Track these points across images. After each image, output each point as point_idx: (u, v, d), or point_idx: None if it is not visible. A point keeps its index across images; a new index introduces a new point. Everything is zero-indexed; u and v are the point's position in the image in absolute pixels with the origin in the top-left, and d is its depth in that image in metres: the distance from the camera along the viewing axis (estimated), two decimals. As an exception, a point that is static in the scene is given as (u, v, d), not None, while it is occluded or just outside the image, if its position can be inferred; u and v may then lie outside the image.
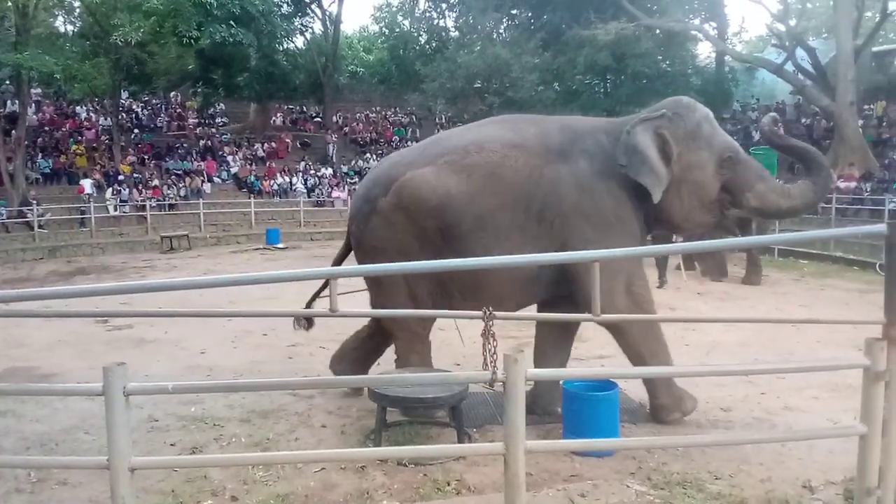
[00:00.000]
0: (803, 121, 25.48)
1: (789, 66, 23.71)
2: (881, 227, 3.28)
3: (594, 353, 7.20)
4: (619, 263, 4.89)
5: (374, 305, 5.40)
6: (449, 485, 4.11)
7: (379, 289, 5.33)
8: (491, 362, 2.99)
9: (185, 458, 4.47)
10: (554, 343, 5.53)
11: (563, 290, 5.10)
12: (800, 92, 24.49)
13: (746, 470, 4.16)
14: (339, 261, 5.91)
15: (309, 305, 5.63)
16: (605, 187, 5.02)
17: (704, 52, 32.22)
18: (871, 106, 24.80)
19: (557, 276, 5.01)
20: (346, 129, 31.51)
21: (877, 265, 12.00)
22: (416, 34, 35.68)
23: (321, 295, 5.59)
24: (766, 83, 33.22)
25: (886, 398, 3.12)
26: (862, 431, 3.17)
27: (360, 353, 5.98)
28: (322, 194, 24.90)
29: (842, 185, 19.90)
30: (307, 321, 5.91)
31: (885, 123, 23.43)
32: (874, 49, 28.02)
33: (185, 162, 24.62)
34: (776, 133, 5.43)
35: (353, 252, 5.71)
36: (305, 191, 24.77)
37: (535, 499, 3.73)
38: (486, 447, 3.86)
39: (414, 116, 33.78)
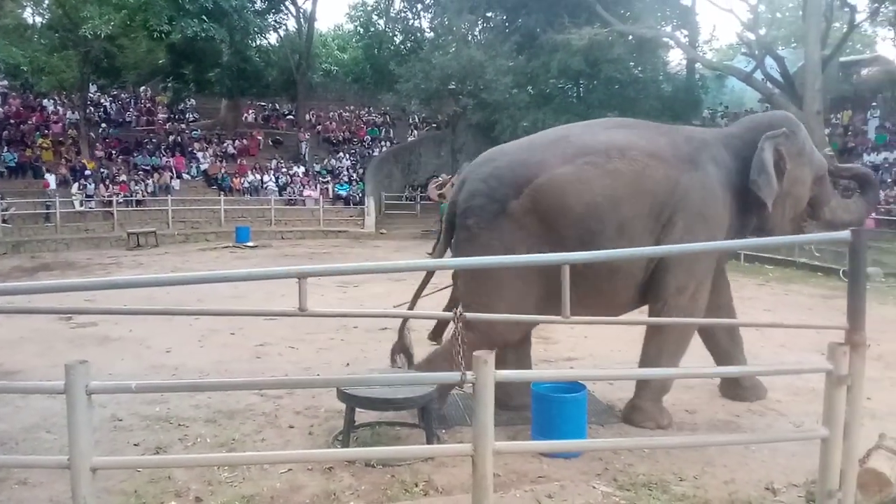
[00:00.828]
0: (771, 129, 25.94)
1: (758, 75, 24.12)
2: (845, 234, 3.35)
3: (563, 355, 7.25)
4: (696, 267, 5.15)
5: (467, 305, 4.94)
6: (417, 486, 4.10)
7: (481, 289, 5.06)
8: (461, 363, 2.99)
9: (148, 458, 4.39)
10: (729, 342, 5.82)
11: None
12: (768, 100, 24.92)
13: (710, 472, 4.21)
14: (440, 255, 5.61)
15: (412, 306, 5.40)
16: (723, 196, 5.23)
17: (675, 59, 32.68)
18: (838, 115, 25.37)
19: (655, 277, 5.14)
20: (319, 127, 31.33)
21: (840, 272, 12.26)
22: (391, 34, 35.62)
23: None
24: (735, 91, 33.77)
25: (848, 402, 3.18)
26: (824, 434, 3.22)
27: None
28: (294, 193, 24.72)
29: (807, 192, 20.31)
30: (406, 356, 5.55)
31: (850, 132, 23.99)
32: (841, 59, 28.69)
33: (153, 157, 24.26)
34: (840, 167, 6.17)
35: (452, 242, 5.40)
36: (277, 189, 24.58)
37: (502, 500, 3.74)
38: (454, 448, 3.87)
39: (388, 116, 33.71)
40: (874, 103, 25.43)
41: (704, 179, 5.18)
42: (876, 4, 24.25)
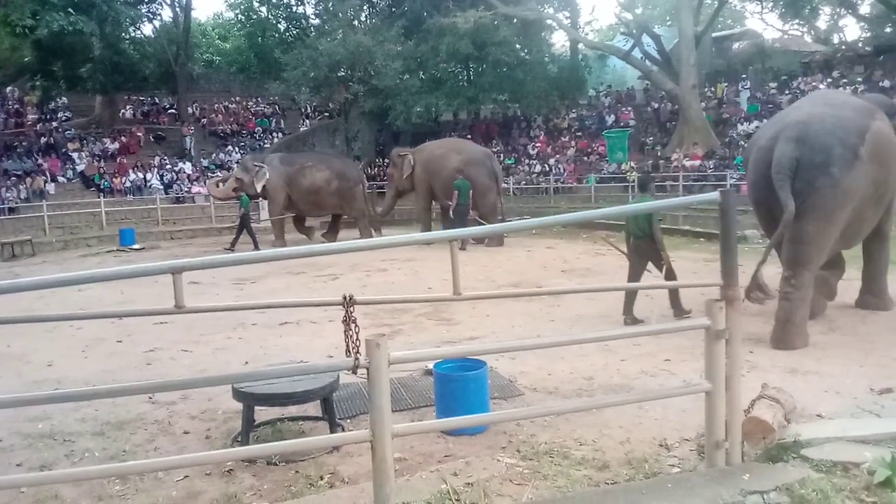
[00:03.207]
0: (652, 104, 27.09)
1: (637, 53, 25.09)
2: (715, 195, 3.52)
3: (465, 335, 7.31)
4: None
5: (809, 244, 6.17)
6: (322, 479, 4.01)
7: (829, 231, 6.24)
8: (353, 349, 2.93)
9: (29, 475, 4.08)
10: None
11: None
12: (647, 77, 26.00)
13: (608, 434, 4.35)
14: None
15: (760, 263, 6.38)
16: None
17: (559, 41, 33.54)
18: (713, 88, 26.74)
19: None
20: (205, 120, 30.08)
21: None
22: (274, 21, 34.64)
23: None
24: (616, 70, 34.99)
25: (728, 355, 3.34)
26: (707, 388, 3.38)
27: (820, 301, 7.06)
28: (181, 190, 23.68)
29: (687, 163, 21.37)
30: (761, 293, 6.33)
31: (724, 104, 25.34)
32: (714, 35, 30.25)
33: (25, 161, 22.60)
34: None
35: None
36: (162, 187, 23.47)
37: (408, 483, 3.72)
38: (352, 435, 3.81)
39: (277, 106, 32.81)
40: (744, 75, 26.97)
41: (891, 134, 6.61)
42: (743, -21, 25.72)
